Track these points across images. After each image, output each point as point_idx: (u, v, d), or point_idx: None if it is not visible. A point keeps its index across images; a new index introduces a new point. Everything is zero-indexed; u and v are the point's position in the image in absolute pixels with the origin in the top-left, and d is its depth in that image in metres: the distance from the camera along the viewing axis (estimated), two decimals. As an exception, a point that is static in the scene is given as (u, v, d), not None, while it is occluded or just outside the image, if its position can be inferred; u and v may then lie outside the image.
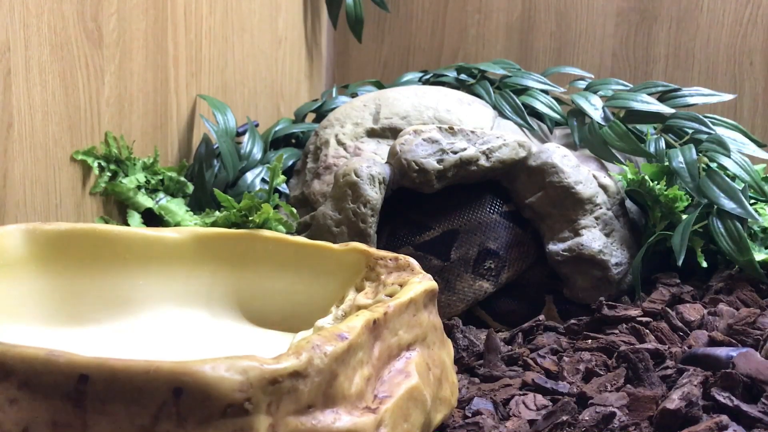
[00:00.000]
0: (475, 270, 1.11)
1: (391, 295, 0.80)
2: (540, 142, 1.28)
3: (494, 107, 1.33)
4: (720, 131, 1.24)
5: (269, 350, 0.63)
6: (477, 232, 1.12)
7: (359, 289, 0.86)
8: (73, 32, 1.07)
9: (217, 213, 1.14)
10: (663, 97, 1.32)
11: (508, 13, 1.79)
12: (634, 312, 1.03)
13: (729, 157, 1.17)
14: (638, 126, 1.29)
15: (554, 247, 1.11)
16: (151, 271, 0.93)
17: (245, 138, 1.36)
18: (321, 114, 1.49)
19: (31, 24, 1.00)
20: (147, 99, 1.25)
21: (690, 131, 1.24)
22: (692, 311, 1.02)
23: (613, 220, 1.13)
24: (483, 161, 1.09)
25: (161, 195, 1.23)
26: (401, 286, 0.80)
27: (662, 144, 1.22)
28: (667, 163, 1.18)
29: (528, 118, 1.31)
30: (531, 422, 0.79)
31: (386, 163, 1.09)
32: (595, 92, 1.34)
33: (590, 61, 1.74)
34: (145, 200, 1.20)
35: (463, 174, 1.09)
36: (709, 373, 0.81)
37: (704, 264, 1.12)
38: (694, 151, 1.17)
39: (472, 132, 1.11)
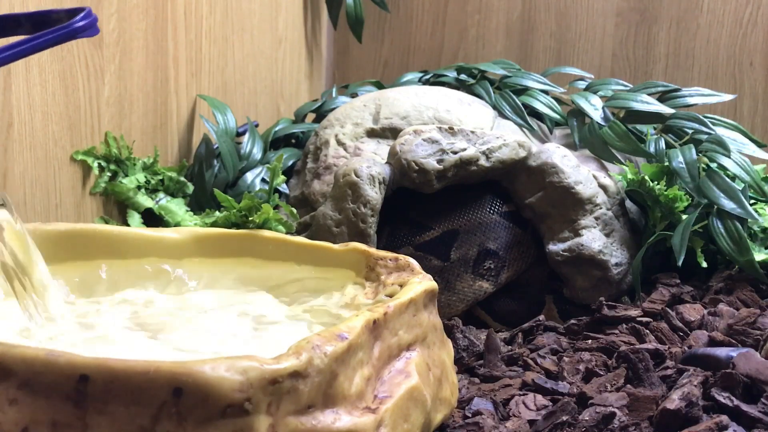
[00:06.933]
0: (475, 270, 1.11)
1: (391, 295, 0.80)
2: (540, 142, 1.28)
3: (494, 107, 1.33)
4: (720, 131, 1.24)
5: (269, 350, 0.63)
6: (477, 232, 1.12)
7: (359, 290, 0.86)
8: (73, 32, 1.07)
9: (217, 213, 1.14)
10: (663, 98, 1.32)
11: (508, 13, 1.79)
12: (634, 312, 1.03)
13: (729, 157, 1.17)
14: (638, 126, 1.29)
15: (554, 247, 1.11)
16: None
17: (245, 138, 1.36)
18: (321, 114, 1.49)
19: (31, 24, 1.00)
20: (147, 99, 1.25)
21: (690, 131, 1.24)
22: (692, 311, 1.02)
23: (613, 220, 1.13)
24: (483, 161, 1.09)
25: (161, 195, 1.23)
26: (401, 286, 0.80)
27: (662, 144, 1.22)
28: (667, 163, 1.18)
29: (528, 118, 1.31)
30: (531, 422, 0.79)
31: (386, 163, 1.09)
32: (595, 92, 1.34)
33: (590, 61, 1.74)
34: (145, 200, 1.20)
35: (463, 174, 1.09)
36: (709, 373, 0.81)
37: (704, 264, 1.12)
38: (694, 151, 1.17)
39: (472, 132, 1.11)
